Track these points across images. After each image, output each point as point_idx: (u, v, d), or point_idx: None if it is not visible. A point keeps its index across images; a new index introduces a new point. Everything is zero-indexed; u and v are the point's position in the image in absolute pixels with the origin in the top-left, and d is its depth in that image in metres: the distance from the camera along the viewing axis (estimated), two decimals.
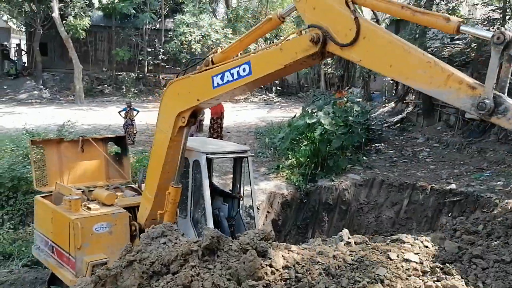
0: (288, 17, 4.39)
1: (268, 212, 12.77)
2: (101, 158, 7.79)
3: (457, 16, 17.59)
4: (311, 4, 3.97)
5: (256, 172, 14.51)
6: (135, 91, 30.85)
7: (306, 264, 3.51)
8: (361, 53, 3.68)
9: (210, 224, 6.40)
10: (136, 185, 7.93)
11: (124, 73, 32.43)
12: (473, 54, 15.92)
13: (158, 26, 32.40)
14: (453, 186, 12.10)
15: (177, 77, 5.65)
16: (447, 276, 3.44)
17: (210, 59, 5.07)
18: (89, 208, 6.26)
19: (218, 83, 4.87)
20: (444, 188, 12.15)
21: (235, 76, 4.70)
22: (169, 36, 30.27)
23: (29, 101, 27.83)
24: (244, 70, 4.61)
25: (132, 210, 6.61)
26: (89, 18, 27.89)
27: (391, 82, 23.57)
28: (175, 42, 28.49)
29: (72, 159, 7.57)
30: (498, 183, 11.95)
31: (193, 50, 28.94)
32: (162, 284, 3.14)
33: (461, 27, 3.21)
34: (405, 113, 19.83)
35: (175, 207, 5.88)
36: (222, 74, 4.83)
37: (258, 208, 12.20)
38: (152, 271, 3.30)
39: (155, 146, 5.93)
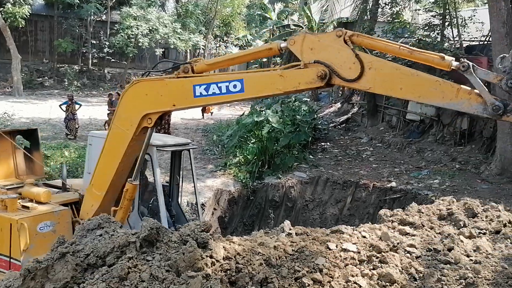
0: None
1: (214, 209, 12.71)
2: (9, 153, 7.14)
3: (401, 21, 18.46)
4: (308, 46, 4.27)
5: (203, 169, 14.40)
6: (78, 84, 29.61)
7: (247, 255, 3.50)
8: (370, 82, 4.08)
9: (163, 215, 6.47)
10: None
11: (67, 65, 31.03)
12: None
13: (104, 17, 31.31)
14: (393, 184, 12.63)
15: (142, 76, 5.59)
16: (382, 264, 3.56)
17: (190, 67, 4.99)
18: (26, 207, 5.86)
19: (201, 93, 4.85)
20: (385, 186, 12.66)
21: (223, 90, 4.72)
22: (115, 28, 29.32)
23: None
24: (235, 86, 4.68)
25: (68, 206, 6.34)
26: (29, 6, 26.39)
27: None
28: (122, 36, 27.64)
29: None
30: (435, 181, 12.62)
31: (140, 44, 28.23)
32: (97, 277, 3.01)
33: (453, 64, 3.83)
34: (350, 113, 20.44)
35: (130, 204, 5.79)
36: (207, 86, 4.82)
37: (204, 205, 12.11)
38: (86, 263, 3.15)
39: (111, 143, 5.65)
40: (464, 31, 17.17)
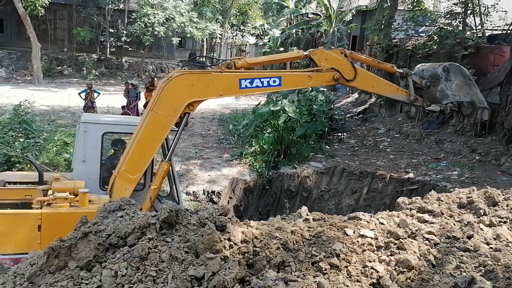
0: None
1: (230, 197, 12.78)
2: None
3: (421, 9, 18.09)
4: (323, 57, 6.67)
5: (219, 158, 14.48)
6: (96, 73, 29.92)
7: (264, 238, 3.52)
8: (358, 82, 6.88)
9: (179, 193, 7.04)
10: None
11: (85, 54, 31.36)
12: (435, 47, 16.37)
13: (121, 6, 31.47)
14: (411, 175, 12.49)
15: (181, 68, 6.70)
16: (400, 250, 3.54)
17: (233, 63, 6.27)
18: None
19: (246, 86, 6.21)
20: (402, 177, 12.53)
21: (265, 84, 6.32)
22: (133, 17, 29.45)
23: None
24: (274, 81, 6.35)
25: None
26: None
27: None
28: (139, 24, 27.75)
29: None
30: (454, 172, 12.45)
31: (156, 33, 28.30)
32: (118, 256, 3.07)
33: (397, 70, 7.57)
34: (368, 104, 20.25)
35: (162, 182, 6.42)
36: (251, 80, 6.24)
37: (220, 194, 12.20)
38: (108, 243, 3.22)
39: (150, 128, 6.09)
40: (487, 20, 16.76)
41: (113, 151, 7.71)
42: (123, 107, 17.44)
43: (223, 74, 6.18)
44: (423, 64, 8.29)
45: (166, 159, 6.40)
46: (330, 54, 6.66)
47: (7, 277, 3.27)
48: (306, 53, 6.68)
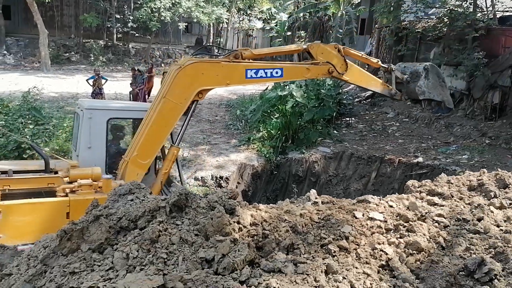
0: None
1: (238, 183, 12.83)
2: None
3: None
4: (320, 51, 7.18)
5: (226, 143, 14.51)
6: (104, 59, 29.93)
7: (273, 221, 3.54)
8: (349, 76, 7.44)
9: (182, 176, 7.19)
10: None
11: (92, 40, 31.36)
12: (445, 29, 16.10)
13: None
14: (420, 159, 12.44)
15: (192, 56, 6.84)
16: (410, 233, 3.54)
17: (240, 54, 6.53)
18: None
19: (251, 76, 6.57)
20: (411, 161, 12.48)
21: (268, 75, 6.72)
22: (139, 2, 29.30)
23: None
24: (277, 72, 6.79)
25: None
26: None
27: None
28: (145, 9, 27.61)
29: None
30: (463, 156, 12.37)
31: (162, 18, 28.14)
32: (129, 239, 3.10)
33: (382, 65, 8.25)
34: None
35: (171, 166, 6.59)
36: (256, 70, 6.60)
37: (228, 179, 12.26)
38: (119, 226, 3.25)
39: (162, 115, 6.27)
40: (498, 1, 16.43)
41: (113, 136, 7.74)
42: (130, 92, 17.52)
43: (231, 63, 6.45)
44: (404, 63, 9.40)
45: (176, 144, 6.60)
46: (326, 48, 7.19)
47: (21, 259, 3.33)
48: (304, 46, 7.24)
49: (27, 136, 10.23)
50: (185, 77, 6.23)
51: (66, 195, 5.77)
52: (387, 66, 8.16)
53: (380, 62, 8.19)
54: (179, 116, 6.39)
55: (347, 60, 7.32)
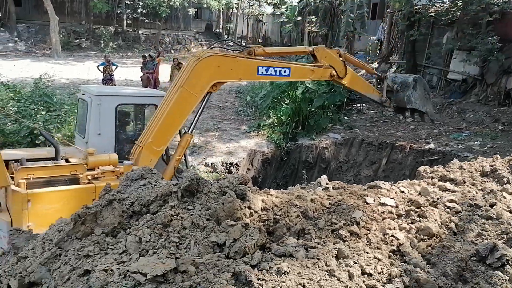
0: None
1: (248, 169, 12.87)
2: None
3: None
4: (324, 55, 7.56)
5: (236, 130, 14.52)
6: (114, 46, 29.96)
7: (284, 207, 3.55)
8: (347, 80, 7.82)
9: (188, 160, 7.63)
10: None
11: (102, 26, 31.35)
12: (459, 14, 15.80)
13: None
14: (431, 145, 12.34)
15: (209, 48, 7.10)
16: (421, 219, 3.53)
17: (253, 51, 6.82)
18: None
19: (262, 73, 6.87)
20: (422, 147, 12.39)
21: (277, 73, 7.06)
22: None
23: (4, 53, 26.82)
24: (285, 71, 7.14)
25: None
26: None
27: (376, 42, 23.40)
28: None
29: None
30: (476, 142, 12.24)
31: (172, 4, 28.00)
32: (142, 223, 3.14)
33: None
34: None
35: (184, 152, 6.91)
36: (267, 68, 6.92)
37: (238, 165, 12.30)
38: (132, 210, 3.29)
39: (179, 104, 6.43)
40: None
41: (121, 122, 7.79)
42: (141, 77, 17.59)
43: (245, 59, 6.76)
44: (396, 74, 10.35)
45: (189, 132, 6.79)
46: (329, 52, 7.64)
47: (36, 242, 3.40)
48: (310, 49, 7.69)
49: (39, 122, 10.33)
50: (202, 69, 6.42)
51: (90, 182, 5.86)
52: (380, 74, 8.81)
53: (375, 70, 9.13)
54: (194, 106, 6.58)
55: (346, 66, 7.76)
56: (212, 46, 7.33)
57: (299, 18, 28.95)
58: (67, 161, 6.47)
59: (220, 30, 38.90)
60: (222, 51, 7.15)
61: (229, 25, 40.18)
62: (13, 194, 5.42)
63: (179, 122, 6.57)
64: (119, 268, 2.66)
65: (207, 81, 6.49)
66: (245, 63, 6.75)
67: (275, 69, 7.01)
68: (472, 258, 3.11)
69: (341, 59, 7.66)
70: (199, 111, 6.86)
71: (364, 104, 16.95)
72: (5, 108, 10.46)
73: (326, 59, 7.55)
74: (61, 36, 27.85)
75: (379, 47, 22.77)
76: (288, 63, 7.40)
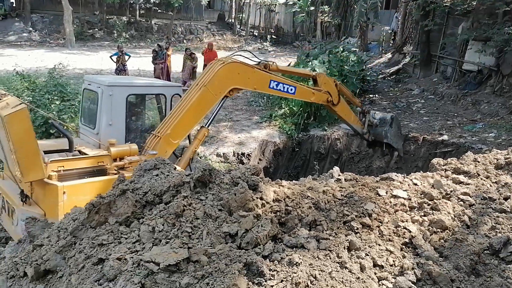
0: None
1: (260, 159, 12.87)
2: None
3: None
4: (324, 81, 8.53)
5: (248, 120, 14.50)
6: (127, 36, 30.05)
7: (296, 198, 3.56)
8: (338, 108, 8.79)
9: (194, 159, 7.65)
10: None
11: (115, 17, 31.43)
12: (475, 3, 15.49)
13: None
14: (445, 137, 12.18)
15: (232, 56, 7.63)
16: (434, 211, 3.51)
17: (269, 65, 7.55)
18: None
19: (273, 86, 7.55)
20: (436, 139, 12.24)
21: (285, 89, 7.74)
22: None
23: (18, 43, 27.08)
24: (291, 89, 7.82)
25: None
26: None
27: (389, 32, 23.10)
28: None
29: None
30: (490, 134, 12.06)
31: None
32: (155, 213, 3.18)
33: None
34: (401, 64, 19.60)
35: (199, 144, 7.36)
36: (278, 83, 7.61)
37: (249, 155, 12.31)
38: (145, 200, 3.33)
39: (200, 102, 6.84)
40: None
41: (131, 112, 7.80)
42: (155, 67, 17.67)
43: (261, 72, 7.41)
44: (376, 111, 11.06)
45: (206, 126, 7.33)
46: (328, 80, 8.61)
47: (51, 231, 3.46)
48: (313, 74, 8.75)
49: (54, 112, 10.44)
50: (225, 73, 7.00)
51: (117, 173, 5.94)
52: (364, 108, 10.09)
53: (361, 104, 10.49)
54: (212, 105, 7.12)
55: (340, 95, 8.76)
56: (234, 54, 7.83)
57: (312, 8, 28.68)
58: (80, 152, 6.51)
59: (233, 20, 38.71)
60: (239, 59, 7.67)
61: (241, 15, 39.97)
62: (49, 186, 5.46)
63: (197, 119, 6.95)
64: (132, 257, 2.70)
65: (227, 85, 7.03)
66: (260, 75, 7.39)
67: (284, 85, 7.69)
68: (485, 251, 3.09)
69: (336, 88, 8.65)
70: (216, 111, 7.45)
71: (377, 95, 16.80)
72: (20, 98, 10.59)
73: (325, 85, 8.44)
74: (74, 26, 27.99)
75: (393, 37, 22.48)
76: (295, 82, 7.99)
